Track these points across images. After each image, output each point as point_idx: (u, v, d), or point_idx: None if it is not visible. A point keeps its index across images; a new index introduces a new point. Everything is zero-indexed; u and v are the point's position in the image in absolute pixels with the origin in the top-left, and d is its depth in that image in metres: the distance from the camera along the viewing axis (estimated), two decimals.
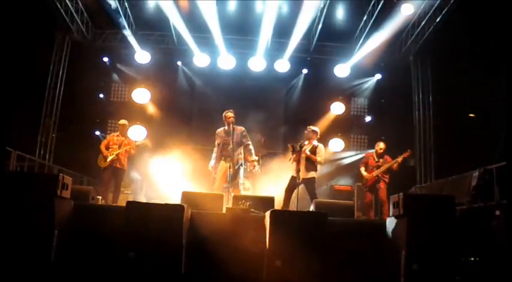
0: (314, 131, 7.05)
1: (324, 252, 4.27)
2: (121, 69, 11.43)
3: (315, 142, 6.95)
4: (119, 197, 7.67)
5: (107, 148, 7.54)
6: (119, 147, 7.53)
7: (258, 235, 4.52)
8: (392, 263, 4.37)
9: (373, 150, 8.07)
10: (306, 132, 7.10)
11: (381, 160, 7.64)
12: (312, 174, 6.80)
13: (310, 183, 6.76)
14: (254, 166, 7.54)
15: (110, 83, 11.71)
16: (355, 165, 10.85)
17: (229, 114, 7.06)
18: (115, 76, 11.47)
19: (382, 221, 5.10)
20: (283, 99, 11.65)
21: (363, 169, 7.80)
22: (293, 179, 6.72)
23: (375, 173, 7.56)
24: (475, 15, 8.28)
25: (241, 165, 6.92)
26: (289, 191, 6.75)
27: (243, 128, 7.15)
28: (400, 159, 7.45)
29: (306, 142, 6.96)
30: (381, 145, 7.77)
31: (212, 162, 7.10)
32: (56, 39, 10.54)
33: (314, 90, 11.23)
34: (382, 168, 7.53)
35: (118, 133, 7.76)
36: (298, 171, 6.50)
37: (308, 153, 6.79)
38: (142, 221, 4.25)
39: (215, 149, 7.15)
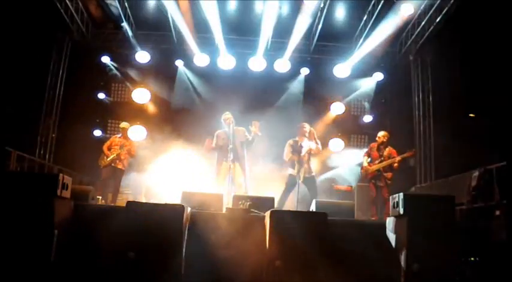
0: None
1: (324, 253, 4.27)
2: (121, 69, 11.40)
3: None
4: (117, 197, 7.77)
5: (109, 149, 7.72)
6: (120, 148, 7.67)
7: (258, 235, 4.52)
8: (392, 263, 4.37)
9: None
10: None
11: (385, 153, 7.26)
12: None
13: None
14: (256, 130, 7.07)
15: (110, 83, 11.67)
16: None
17: (227, 116, 7.06)
18: (115, 76, 11.45)
19: (382, 221, 5.10)
20: (283, 99, 11.62)
21: (365, 159, 7.48)
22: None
23: (375, 166, 7.21)
24: (475, 15, 8.28)
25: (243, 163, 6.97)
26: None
27: (244, 128, 7.15)
28: (400, 158, 7.12)
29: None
30: (380, 134, 7.42)
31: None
32: (56, 39, 10.53)
33: (314, 90, 11.21)
34: (384, 164, 7.15)
35: (120, 135, 7.91)
36: (298, 171, 6.52)
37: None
38: (143, 221, 4.26)
39: (206, 146, 7.19)
